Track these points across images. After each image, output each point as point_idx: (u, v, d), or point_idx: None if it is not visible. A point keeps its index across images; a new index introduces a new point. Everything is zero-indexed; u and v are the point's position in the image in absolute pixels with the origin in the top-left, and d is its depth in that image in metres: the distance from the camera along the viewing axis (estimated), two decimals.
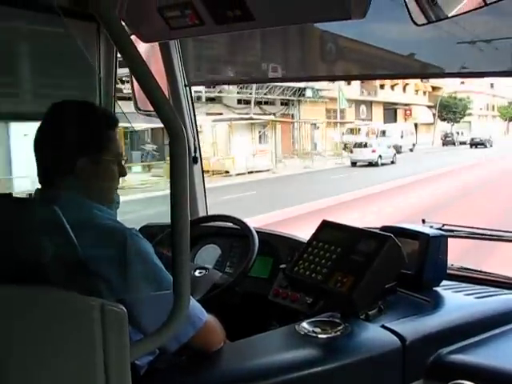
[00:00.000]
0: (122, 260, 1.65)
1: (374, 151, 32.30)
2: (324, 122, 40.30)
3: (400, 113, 55.51)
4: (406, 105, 55.03)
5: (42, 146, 1.81)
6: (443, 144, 51.52)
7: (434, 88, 56.69)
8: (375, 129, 43.62)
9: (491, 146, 47.58)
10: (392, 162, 33.39)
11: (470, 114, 62.13)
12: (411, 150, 43.51)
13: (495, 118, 70.08)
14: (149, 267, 1.69)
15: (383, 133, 41.98)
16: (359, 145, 33.54)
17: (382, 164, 32.47)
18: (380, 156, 32.62)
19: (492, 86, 63.13)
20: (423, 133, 54.69)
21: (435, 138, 53.95)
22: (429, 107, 57.43)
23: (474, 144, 48.08)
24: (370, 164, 31.96)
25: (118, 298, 1.54)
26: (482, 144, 47.76)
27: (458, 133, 54.46)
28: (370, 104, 50.08)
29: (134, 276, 1.66)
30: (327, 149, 38.03)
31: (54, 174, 1.79)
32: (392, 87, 51.29)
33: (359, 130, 43.09)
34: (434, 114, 57.07)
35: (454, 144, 51.17)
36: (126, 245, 1.67)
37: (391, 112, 53.56)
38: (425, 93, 57.77)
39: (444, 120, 58.66)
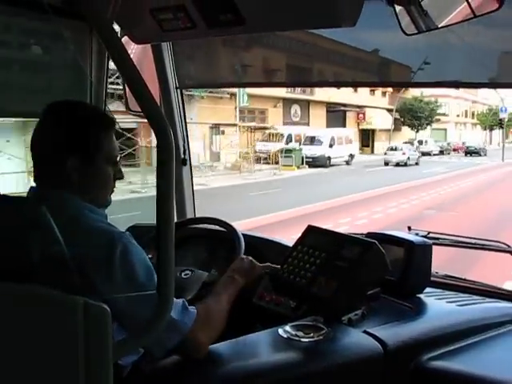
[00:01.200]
0: (110, 262, 1.65)
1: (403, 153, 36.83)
2: (237, 126, 33.32)
3: (351, 116, 47.51)
4: (358, 107, 46.64)
5: (35, 144, 1.81)
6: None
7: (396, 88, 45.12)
8: (302, 134, 36.39)
9: (485, 155, 47.74)
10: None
11: (438, 120, 55.80)
12: (347, 163, 35.59)
13: (476, 126, 66.20)
14: (138, 271, 1.69)
15: (311, 140, 34.93)
16: (391, 148, 38.28)
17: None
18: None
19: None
20: (382, 141, 47.11)
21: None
22: (389, 111, 49.47)
23: (469, 152, 48.67)
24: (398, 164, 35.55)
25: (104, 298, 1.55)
26: (477, 153, 48.11)
27: (420, 142, 48.18)
28: (306, 104, 41.40)
29: (121, 279, 1.66)
30: (230, 160, 30.84)
31: (46, 172, 1.80)
32: None
33: (281, 135, 35.80)
34: (397, 119, 50.57)
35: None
36: (117, 248, 1.67)
37: (338, 115, 45.26)
38: (384, 93, 49.72)
39: (408, 126, 52.57)
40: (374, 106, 47.43)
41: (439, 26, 2.22)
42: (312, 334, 1.95)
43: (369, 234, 2.48)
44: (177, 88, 3.23)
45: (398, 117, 50.46)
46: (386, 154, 37.85)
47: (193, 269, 2.60)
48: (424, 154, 43.65)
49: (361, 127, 48.04)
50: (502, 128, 51.15)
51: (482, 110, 65.71)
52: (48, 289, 1.29)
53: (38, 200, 1.66)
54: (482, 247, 2.81)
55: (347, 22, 2.08)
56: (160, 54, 3.10)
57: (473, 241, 2.86)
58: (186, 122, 3.32)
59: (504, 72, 2.65)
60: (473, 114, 66.65)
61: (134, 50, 2.96)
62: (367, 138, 49.30)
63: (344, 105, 44.28)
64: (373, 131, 49.08)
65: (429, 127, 54.48)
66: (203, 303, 1.93)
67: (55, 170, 1.78)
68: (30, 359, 1.25)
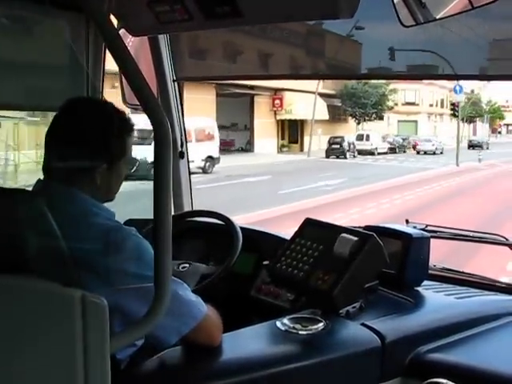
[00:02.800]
0: (117, 258, 1.67)
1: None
2: None
3: (262, 102, 35.36)
4: (275, 90, 35.05)
5: (59, 143, 1.80)
6: (327, 155, 34.43)
7: None
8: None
9: (487, 148, 46.55)
10: None
11: (391, 109, 46.38)
12: (205, 171, 23.27)
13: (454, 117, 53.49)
14: (144, 267, 1.69)
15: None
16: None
17: None
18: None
19: None
20: (319, 135, 36.81)
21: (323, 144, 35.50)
22: (327, 96, 38.84)
23: (472, 146, 47.52)
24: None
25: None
26: (480, 146, 46.73)
27: (359, 137, 39.03)
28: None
29: (126, 274, 1.67)
30: None
31: (67, 171, 1.78)
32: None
33: None
34: (337, 107, 41.47)
35: (344, 155, 34.54)
36: (125, 244, 1.69)
37: (243, 101, 34.29)
38: None
39: (351, 116, 43.36)
40: (300, 89, 34.37)
41: (437, 17, 2.21)
42: (310, 327, 1.95)
43: (367, 227, 2.48)
44: (174, 81, 3.22)
45: (343, 104, 42.45)
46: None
47: (190, 261, 2.60)
48: (364, 152, 36.80)
49: (278, 117, 37.02)
50: (456, 116, 38.81)
51: (463, 99, 57.62)
52: (45, 281, 1.29)
53: (45, 194, 1.66)
54: (480, 240, 2.81)
55: (345, 13, 2.07)
56: (157, 46, 3.09)
57: (470, 234, 2.86)
58: (183, 115, 3.32)
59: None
60: (452, 105, 55.53)
61: (130, 42, 2.95)
62: (295, 132, 39.40)
63: (251, 87, 31.48)
64: (302, 123, 38.44)
65: (390, 118, 47.95)
66: None
67: (82, 172, 1.77)
68: (27, 351, 1.25)
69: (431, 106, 55.14)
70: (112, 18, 2.62)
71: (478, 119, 61.17)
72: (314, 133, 36.80)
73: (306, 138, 37.81)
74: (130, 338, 1.47)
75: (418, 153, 41.40)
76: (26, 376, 1.25)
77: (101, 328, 1.26)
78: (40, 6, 2.36)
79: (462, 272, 2.72)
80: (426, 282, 2.46)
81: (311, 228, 2.33)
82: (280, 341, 1.92)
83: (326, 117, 38.66)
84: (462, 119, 51.39)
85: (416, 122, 52.44)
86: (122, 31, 2.74)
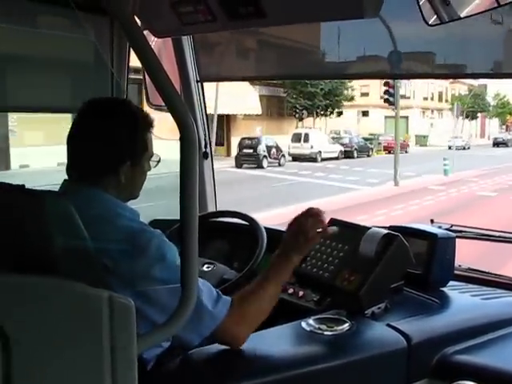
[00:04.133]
0: (141, 262, 1.67)
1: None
2: None
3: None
4: None
5: (83, 138, 1.81)
6: (238, 164, 27.82)
7: None
8: None
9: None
10: None
11: (352, 99, 39.33)
12: None
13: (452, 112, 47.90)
14: (167, 270, 1.69)
15: None
16: None
17: None
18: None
19: None
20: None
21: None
22: (270, 86, 32.65)
23: (497, 144, 47.40)
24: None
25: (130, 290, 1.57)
26: (504, 144, 46.76)
27: (295, 138, 30.91)
28: None
29: (150, 277, 1.68)
30: None
31: (92, 171, 1.79)
32: None
33: None
34: (283, 99, 34.33)
35: (259, 164, 27.58)
36: (149, 247, 1.69)
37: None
38: None
39: (293, 109, 35.03)
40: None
41: (462, 15, 2.19)
42: (335, 328, 1.95)
43: (391, 227, 2.46)
44: (197, 81, 3.23)
45: (287, 95, 35.32)
46: None
47: (215, 262, 2.60)
48: (301, 158, 30.09)
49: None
50: (391, 103, 25.47)
51: (465, 91, 54.21)
52: (73, 282, 1.30)
53: (70, 195, 1.68)
54: (508, 240, 2.78)
55: (370, 13, 2.06)
56: (180, 47, 3.10)
57: (497, 234, 2.83)
58: (206, 116, 3.33)
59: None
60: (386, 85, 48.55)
61: (154, 42, 2.96)
62: (221, 131, 31.41)
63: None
64: (228, 119, 31.89)
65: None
66: (243, 292, 1.89)
67: (106, 171, 1.79)
68: (55, 352, 1.25)
69: (426, 99, 50.60)
70: (136, 19, 2.64)
71: (481, 114, 57.46)
72: (250, 131, 30.03)
73: (237, 140, 29.80)
74: (157, 338, 1.48)
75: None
76: (54, 376, 1.26)
77: (128, 329, 1.27)
78: (65, 9, 2.38)
79: (488, 273, 2.68)
80: (451, 283, 2.44)
81: (336, 228, 2.32)
82: (305, 341, 1.92)
83: (259, 111, 31.58)
84: (462, 114, 49.04)
85: (407, 118, 45.74)
86: (145, 32, 2.76)
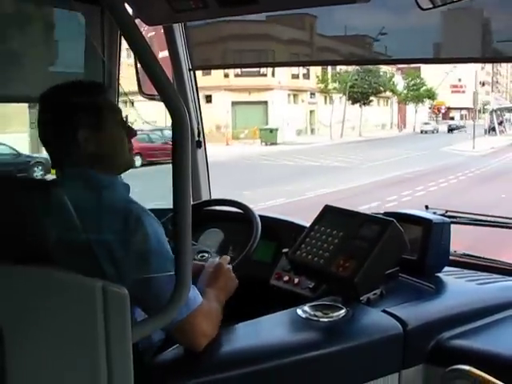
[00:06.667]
0: (131, 240, 1.65)
1: None
2: None
3: None
4: None
5: (42, 122, 1.81)
6: None
7: None
8: None
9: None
10: None
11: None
12: None
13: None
14: (158, 248, 1.68)
15: None
16: None
17: None
18: None
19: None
20: None
21: None
22: None
23: (451, 129, 45.52)
24: None
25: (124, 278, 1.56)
26: (457, 129, 44.98)
27: None
28: None
29: (142, 257, 1.66)
30: None
31: (59, 151, 1.79)
32: None
33: None
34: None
35: None
36: (138, 225, 1.66)
37: None
38: None
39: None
40: None
41: None
42: (331, 314, 1.95)
43: (386, 213, 2.46)
44: (190, 69, 3.21)
45: None
46: None
47: (209, 251, 2.60)
48: None
49: None
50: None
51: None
52: (67, 272, 1.29)
53: (56, 182, 1.67)
54: (502, 225, 2.78)
55: None
56: (172, 35, 3.08)
57: (492, 219, 2.83)
58: (199, 104, 3.31)
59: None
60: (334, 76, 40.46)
61: (144, 30, 2.94)
62: None
63: None
64: None
65: None
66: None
67: (68, 145, 1.77)
68: (49, 341, 1.25)
69: (296, 77, 37.35)
70: (127, 7, 2.62)
71: (395, 99, 48.71)
72: None
73: None
74: (152, 327, 1.48)
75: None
76: (49, 364, 1.25)
77: (122, 317, 1.27)
78: None
79: (484, 258, 2.69)
80: (446, 268, 2.44)
81: (331, 215, 2.32)
82: (301, 328, 1.92)
83: None
84: (350, 99, 39.92)
85: (265, 103, 34.56)
86: (137, 20, 2.74)
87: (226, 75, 26.02)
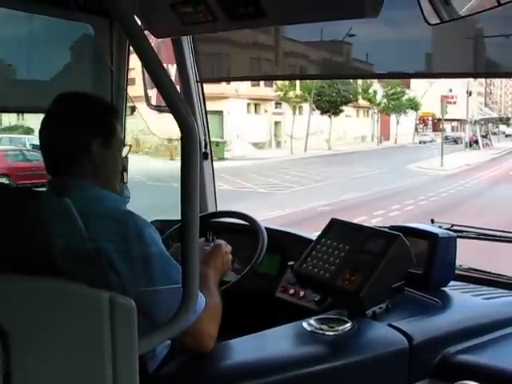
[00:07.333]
0: (133, 251, 1.66)
1: None
2: None
3: None
4: None
5: (51, 131, 1.82)
6: None
7: None
8: None
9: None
10: None
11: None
12: None
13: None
14: (159, 258, 1.69)
15: None
16: None
17: None
18: None
19: None
20: None
21: None
22: None
23: (447, 141, 39.80)
24: None
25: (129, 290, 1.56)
26: (455, 140, 42.51)
27: None
28: None
29: (144, 266, 1.67)
30: None
31: (67, 159, 1.80)
32: None
33: None
34: None
35: None
36: (140, 236, 1.68)
37: None
38: None
39: None
40: None
41: (462, 15, 2.19)
42: (336, 328, 1.94)
43: (392, 227, 2.46)
44: (197, 82, 3.22)
45: None
46: None
47: None
48: None
49: None
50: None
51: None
52: (73, 283, 1.29)
53: (59, 192, 1.68)
54: (508, 240, 2.78)
55: (370, 12, 2.06)
56: (180, 47, 3.10)
57: (497, 233, 2.82)
58: (206, 116, 3.32)
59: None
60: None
61: (153, 42, 2.96)
62: None
63: None
64: None
65: None
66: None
67: (79, 153, 1.79)
68: (57, 353, 1.25)
69: (255, 85, 33.27)
70: (136, 19, 2.64)
71: (376, 110, 45.28)
72: None
73: None
74: (159, 339, 1.48)
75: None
76: (55, 375, 1.25)
77: (129, 329, 1.26)
78: (65, 10, 2.39)
79: (489, 272, 2.68)
80: (452, 283, 2.43)
81: (337, 228, 2.32)
82: (306, 342, 1.91)
83: None
84: (318, 108, 36.38)
85: (221, 113, 31.11)
86: (145, 32, 2.76)
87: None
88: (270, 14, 2.26)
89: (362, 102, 42.68)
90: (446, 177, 24.69)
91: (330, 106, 37.45)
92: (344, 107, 38.76)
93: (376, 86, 42.01)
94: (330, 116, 38.09)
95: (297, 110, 37.03)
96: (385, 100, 44.75)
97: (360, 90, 40.95)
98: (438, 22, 2.19)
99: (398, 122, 46.60)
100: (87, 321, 1.26)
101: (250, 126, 33.86)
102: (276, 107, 38.13)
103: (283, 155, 32.80)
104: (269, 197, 18.18)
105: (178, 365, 1.77)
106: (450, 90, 51.83)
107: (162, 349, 1.84)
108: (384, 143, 46.55)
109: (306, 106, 37.28)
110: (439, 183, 21.75)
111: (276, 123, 38.30)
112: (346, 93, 37.51)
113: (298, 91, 35.84)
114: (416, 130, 41.33)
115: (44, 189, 1.82)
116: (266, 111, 37.72)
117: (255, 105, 36.87)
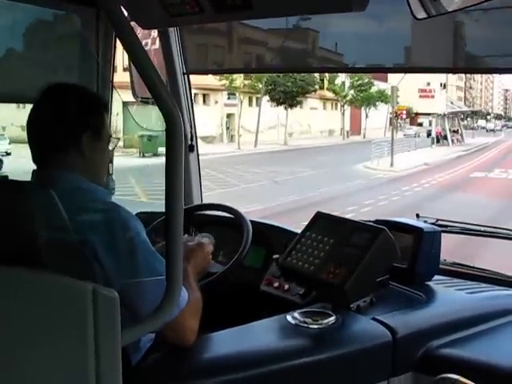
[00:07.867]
0: (117, 243, 1.66)
1: None
2: None
3: None
4: None
5: (41, 123, 1.81)
6: None
7: None
8: None
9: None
10: None
11: None
12: None
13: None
14: (143, 250, 1.69)
15: None
16: None
17: None
18: None
19: None
20: None
21: None
22: None
23: (429, 135, 38.72)
24: None
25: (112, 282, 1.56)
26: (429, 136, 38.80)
27: None
28: None
29: (129, 258, 1.67)
30: None
31: (55, 150, 1.79)
32: None
33: None
34: None
35: None
36: (125, 228, 1.68)
37: None
38: None
39: None
40: None
41: (449, 10, 2.19)
42: (320, 321, 1.95)
43: (377, 221, 2.46)
44: (184, 74, 3.21)
45: None
46: None
47: None
48: None
49: None
50: None
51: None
52: (57, 275, 1.29)
53: (45, 183, 1.67)
54: (492, 235, 2.79)
55: (357, 6, 2.05)
56: (167, 39, 3.08)
57: (482, 228, 2.84)
58: (193, 108, 3.31)
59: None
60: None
61: (139, 34, 2.94)
62: None
63: None
64: None
65: None
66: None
67: (69, 145, 1.79)
68: (39, 344, 1.24)
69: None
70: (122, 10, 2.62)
71: (342, 102, 43.02)
72: None
73: None
74: (142, 330, 1.47)
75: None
76: (38, 368, 1.25)
77: (112, 321, 1.26)
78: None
79: (473, 267, 2.69)
80: (436, 277, 2.45)
81: (322, 222, 2.32)
82: (290, 335, 1.92)
83: None
84: (273, 100, 34.14)
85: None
86: (132, 23, 2.74)
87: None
88: (257, 7, 2.25)
89: (329, 93, 40.87)
90: (391, 180, 22.14)
91: (286, 97, 35.34)
92: (309, 99, 37.28)
93: (343, 77, 40.12)
94: (285, 108, 36.21)
95: (254, 102, 35.31)
96: (352, 92, 42.84)
97: (323, 81, 38.78)
98: (426, 16, 2.19)
99: (366, 116, 45.20)
100: (70, 312, 1.25)
101: (196, 118, 31.08)
102: (229, 98, 35.95)
103: (228, 151, 31.16)
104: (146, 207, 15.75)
105: (160, 357, 1.76)
106: (428, 84, 51.13)
107: (146, 342, 1.84)
108: (352, 138, 45.01)
109: (265, 97, 35.28)
110: (376, 189, 18.93)
111: (229, 115, 36.21)
112: (302, 83, 35.28)
113: (248, 81, 33.63)
114: (391, 123, 36.39)
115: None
116: (216, 102, 35.61)
117: (203, 95, 34.53)
